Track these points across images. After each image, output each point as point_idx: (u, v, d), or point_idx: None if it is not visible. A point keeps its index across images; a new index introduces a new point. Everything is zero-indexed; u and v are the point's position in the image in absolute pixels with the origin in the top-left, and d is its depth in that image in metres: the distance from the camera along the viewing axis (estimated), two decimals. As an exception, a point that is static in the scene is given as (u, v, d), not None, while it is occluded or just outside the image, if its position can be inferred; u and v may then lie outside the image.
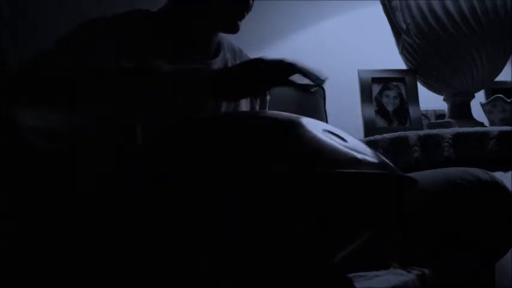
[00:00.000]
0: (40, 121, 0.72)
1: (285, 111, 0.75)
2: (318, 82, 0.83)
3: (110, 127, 0.78)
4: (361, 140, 0.77)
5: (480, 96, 1.61)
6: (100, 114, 0.79)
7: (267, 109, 1.18)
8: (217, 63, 1.05)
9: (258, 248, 0.63)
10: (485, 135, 1.23)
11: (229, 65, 1.08)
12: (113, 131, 0.78)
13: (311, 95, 0.82)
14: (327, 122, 1.58)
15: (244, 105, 1.10)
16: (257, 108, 1.16)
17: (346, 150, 0.64)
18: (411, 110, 1.49)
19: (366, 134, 1.44)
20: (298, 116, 0.71)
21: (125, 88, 0.82)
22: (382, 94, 1.51)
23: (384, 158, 0.70)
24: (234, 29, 1.01)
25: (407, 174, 0.72)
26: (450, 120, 1.41)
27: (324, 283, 0.68)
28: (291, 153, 0.63)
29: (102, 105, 0.81)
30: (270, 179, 0.61)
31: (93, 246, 0.67)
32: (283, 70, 0.84)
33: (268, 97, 1.18)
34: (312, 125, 0.68)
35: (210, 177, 0.62)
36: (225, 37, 1.11)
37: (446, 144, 1.23)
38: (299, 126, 0.68)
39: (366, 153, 0.66)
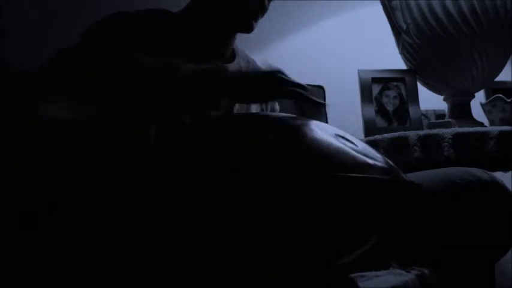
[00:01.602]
0: (60, 113, 0.73)
1: (284, 111, 0.75)
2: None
3: (126, 124, 0.79)
4: (362, 141, 0.78)
5: (480, 96, 1.61)
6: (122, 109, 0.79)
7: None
8: (231, 69, 1.06)
9: (262, 248, 0.63)
10: (485, 135, 1.23)
11: None
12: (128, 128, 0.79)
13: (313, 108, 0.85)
14: (326, 122, 1.58)
15: (255, 108, 1.10)
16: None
17: (358, 155, 0.65)
18: (411, 110, 1.49)
19: (366, 134, 1.44)
20: (310, 119, 0.72)
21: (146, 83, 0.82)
22: (382, 94, 1.51)
23: (392, 164, 0.70)
24: (248, 29, 1.02)
25: (410, 177, 0.73)
26: (450, 120, 1.42)
27: (328, 283, 0.68)
28: (302, 155, 0.64)
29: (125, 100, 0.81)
30: (277, 180, 0.61)
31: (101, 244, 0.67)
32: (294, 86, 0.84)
33: (277, 107, 1.19)
34: (324, 129, 0.69)
35: (218, 177, 0.62)
36: (239, 46, 1.13)
37: (446, 144, 1.23)
38: (311, 129, 0.68)
39: (376, 158, 0.67)
